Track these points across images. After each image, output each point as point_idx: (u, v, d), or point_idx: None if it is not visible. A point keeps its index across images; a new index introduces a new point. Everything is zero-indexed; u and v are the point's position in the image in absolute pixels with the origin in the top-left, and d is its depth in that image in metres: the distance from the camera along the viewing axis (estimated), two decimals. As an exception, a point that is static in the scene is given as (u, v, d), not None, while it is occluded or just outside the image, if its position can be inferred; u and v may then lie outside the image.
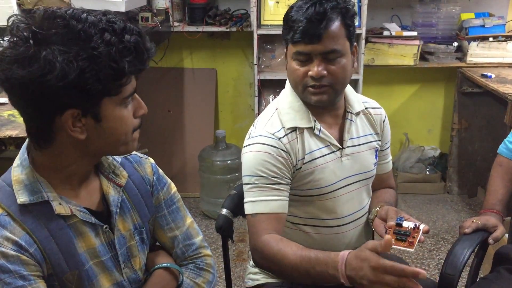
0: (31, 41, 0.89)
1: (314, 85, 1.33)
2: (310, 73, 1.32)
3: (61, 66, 0.87)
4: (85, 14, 0.93)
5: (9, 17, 0.93)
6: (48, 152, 0.99)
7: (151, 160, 1.23)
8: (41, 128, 0.96)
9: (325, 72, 1.31)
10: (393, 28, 3.20)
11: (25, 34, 0.89)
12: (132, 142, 1.05)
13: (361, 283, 1.09)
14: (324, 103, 1.37)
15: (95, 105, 0.94)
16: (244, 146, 1.40)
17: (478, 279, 1.59)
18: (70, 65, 0.87)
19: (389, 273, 1.05)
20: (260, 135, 1.37)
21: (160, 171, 1.23)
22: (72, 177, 1.04)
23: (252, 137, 1.39)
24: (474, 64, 3.20)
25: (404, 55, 3.16)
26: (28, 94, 0.90)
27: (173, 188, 1.24)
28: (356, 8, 2.93)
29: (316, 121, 1.40)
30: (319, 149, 1.40)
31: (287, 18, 1.34)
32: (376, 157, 1.51)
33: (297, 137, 1.38)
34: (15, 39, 0.90)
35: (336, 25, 1.30)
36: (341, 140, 1.43)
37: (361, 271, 1.08)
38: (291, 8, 1.34)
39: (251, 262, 1.59)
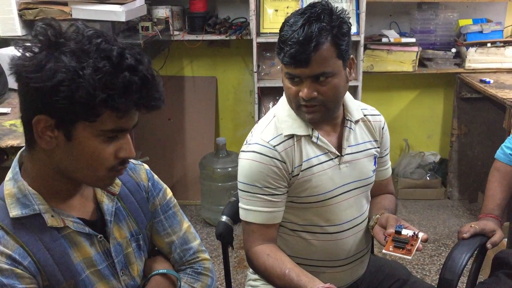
0: (45, 43, 0.92)
1: (306, 105, 1.34)
2: (300, 94, 1.32)
3: (47, 72, 0.89)
4: (101, 40, 0.93)
5: (43, 20, 0.96)
6: (33, 159, 1.01)
7: (146, 166, 1.24)
8: (25, 124, 0.98)
9: (315, 93, 1.31)
10: (392, 35, 3.22)
11: (48, 35, 0.92)
12: (108, 180, 1.03)
13: None
14: (318, 120, 1.38)
15: (68, 123, 0.93)
16: (241, 151, 1.42)
17: (477, 284, 1.60)
18: (53, 74, 0.89)
19: None
20: (256, 143, 1.38)
21: (155, 176, 1.24)
22: (61, 191, 1.04)
23: (249, 144, 1.40)
24: (473, 69, 3.21)
25: (403, 61, 3.17)
26: (20, 86, 0.94)
27: (169, 193, 1.25)
28: (354, 16, 2.96)
29: (314, 129, 1.41)
30: (317, 156, 1.41)
31: (280, 35, 1.32)
32: (375, 164, 1.52)
33: (294, 144, 1.39)
34: (39, 34, 0.93)
35: (325, 47, 1.27)
36: (339, 147, 1.44)
37: None
38: (286, 21, 1.33)
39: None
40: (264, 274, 1.38)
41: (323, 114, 1.37)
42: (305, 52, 1.26)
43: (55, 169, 1.00)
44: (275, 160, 1.36)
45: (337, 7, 1.34)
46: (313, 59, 1.27)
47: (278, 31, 1.35)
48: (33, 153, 1.01)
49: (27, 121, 0.96)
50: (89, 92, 0.89)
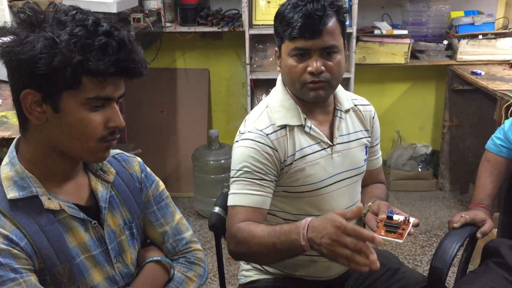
0: (28, 23, 0.95)
1: (313, 81, 1.35)
2: (309, 68, 1.34)
3: (28, 44, 0.92)
4: (76, 11, 0.96)
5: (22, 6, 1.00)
6: (27, 141, 1.03)
7: (139, 159, 1.25)
8: (16, 105, 1.00)
9: (323, 67, 1.34)
10: (384, 27, 3.22)
11: (29, 14, 0.95)
12: (100, 152, 1.05)
13: (320, 243, 1.10)
14: (321, 98, 1.40)
15: (54, 94, 0.96)
16: (235, 142, 1.42)
17: (467, 273, 1.62)
18: (33, 45, 0.92)
19: (350, 235, 1.05)
20: (249, 131, 1.39)
21: (148, 169, 1.25)
22: (56, 174, 1.06)
23: (241, 133, 1.41)
24: (464, 61, 3.23)
25: (395, 53, 3.18)
26: (6, 66, 0.98)
27: (162, 185, 1.26)
28: (347, 6, 2.96)
29: (307, 119, 1.42)
30: (310, 146, 1.42)
31: (282, 15, 1.35)
32: (366, 153, 1.53)
33: (287, 134, 1.40)
34: (21, 18, 0.97)
35: (333, 21, 1.33)
36: (331, 137, 1.45)
37: (324, 231, 1.09)
38: (283, 6, 1.36)
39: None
40: (248, 237, 1.29)
41: (326, 92, 1.38)
42: (317, 23, 1.30)
43: (49, 147, 1.02)
44: (267, 147, 1.37)
45: None
46: (325, 31, 1.31)
47: (276, 16, 1.38)
48: (27, 135, 1.03)
49: (17, 100, 0.98)
50: (65, 55, 0.92)
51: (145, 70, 1.02)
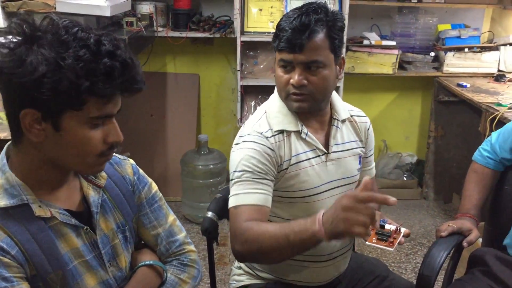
0: (21, 38, 0.93)
1: (295, 92, 1.38)
2: (291, 81, 1.37)
3: (28, 66, 0.91)
4: (77, 29, 0.95)
5: (14, 19, 0.97)
6: (19, 152, 1.02)
7: (131, 161, 1.25)
8: (10, 120, 0.99)
9: (305, 81, 1.36)
10: (373, 38, 3.28)
11: (23, 30, 0.94)
12: (97, 166, 1.06)
13: (335, 218, 1.08)
14: (304, 109, 1.42)
15: (55, 114, 0.95)
16: (233, 145, 1.44)
17: (453, 281, 1.65)
18: (35, 67, 0.91)
19: (363, 202, 1.05)
20: (249, 134, 1.42)
21: (141, 171, 1.25)
22: (48, 182, 1.05)
23: (240, 136, 1.44)
24: (450, 73, 3.30)
25: (383, 63, 3.24)
26: (1, 82, 0.96)
27: (155, 187, 1.26)
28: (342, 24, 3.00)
29: (303, 126, 1.44)
30: (305, 152, 1.44)
31: (278, 25, 1.40)
32: (359, 163, 1.56)
33: (284, 139, 1.43)
34: (13, 30, 0.94)
35: (319, 37, 1.34)
36: (326, 145, 1.48)
37: (337, 204, 1.09)
38: (283, 15, 1.40)
39: (236, 264, 1.63)
40: (258, 232, 1.27)
41: (310, 104, 1.40)
42: (300, 37, 1.32)
43: (44, 160, 1.01)
44: (268, 148, 1.39)
45: (331, 7, 1.39)
46: (307, 46, 1.33)
47: (276, 27, 1.41)
48: (20, 147, 1.02)
49: (13, 116, 0.97)
50: (72, 81, 0.91)
51: (144, 86, 1.02)
